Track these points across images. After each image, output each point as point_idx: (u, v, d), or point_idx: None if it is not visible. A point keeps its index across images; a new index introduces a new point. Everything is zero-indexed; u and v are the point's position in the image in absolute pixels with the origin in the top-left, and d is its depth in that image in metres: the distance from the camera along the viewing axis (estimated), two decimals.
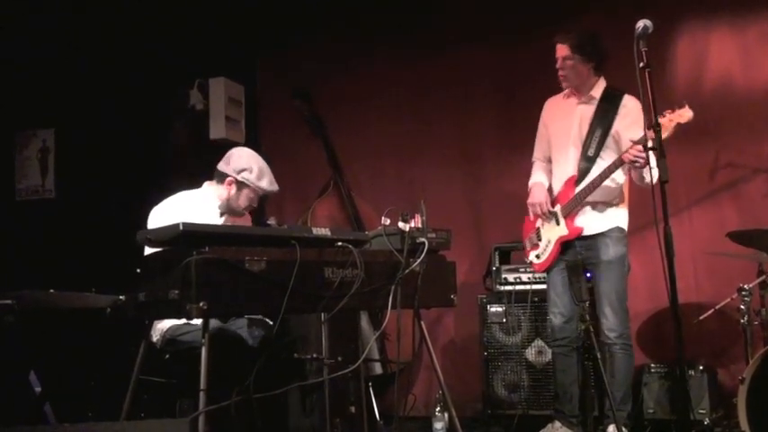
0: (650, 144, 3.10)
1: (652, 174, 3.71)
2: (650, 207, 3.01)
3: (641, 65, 3.06)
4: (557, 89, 4.22)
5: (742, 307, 3.94)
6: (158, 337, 3.29)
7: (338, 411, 3.85)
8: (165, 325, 3.30)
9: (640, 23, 3.11)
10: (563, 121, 4.16)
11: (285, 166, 5.88)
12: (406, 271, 2.94)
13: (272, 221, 4.87)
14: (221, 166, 3.59)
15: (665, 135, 3.65)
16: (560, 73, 4.08)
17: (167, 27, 5.32)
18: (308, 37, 5.85)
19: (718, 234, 4.15)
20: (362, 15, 5.68)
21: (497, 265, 4.83)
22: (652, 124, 3.06)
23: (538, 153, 4.33)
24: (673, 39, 5.01)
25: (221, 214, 3.59)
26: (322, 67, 5.82)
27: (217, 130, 5.59)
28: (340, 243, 2.84)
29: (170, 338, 3.28)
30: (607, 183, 3.93)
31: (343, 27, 5.77)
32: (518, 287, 4.65)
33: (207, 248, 2.53)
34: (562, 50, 4.03)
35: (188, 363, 2.90)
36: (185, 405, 3.59)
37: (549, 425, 4.14)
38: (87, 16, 5.21)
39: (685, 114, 3.64)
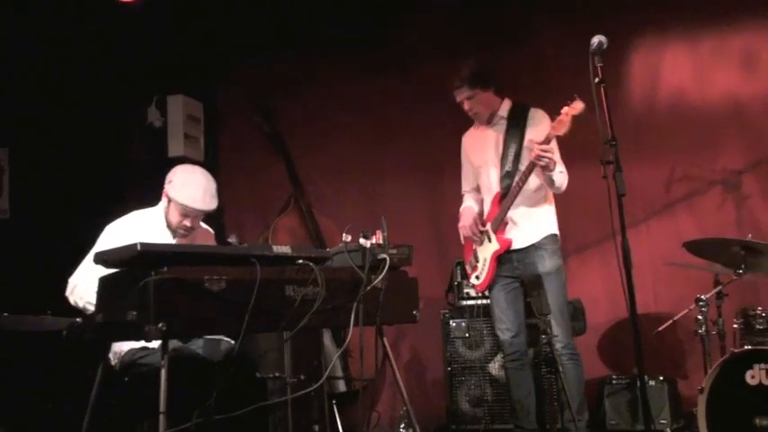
0: (609, 158, 3.13)
1: (554, 178, 3.83)
2: (608, 220, 3.04)
3: (596, 80, 3.10)
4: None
5: (699, 317, 4.00)
6: (116, 360, 3.23)
7: (302, 430, 3.82)
8: (122, 348, 3.23)
9: (595, 39, 3.16)
10: (481, 148, 4.27)
11: (246, 184, 5.88)
12: (368, 288, 2.92)
13: (232, 239, 4.83)
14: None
15: (564, 130, 3.77)
16: (471, 114, 4.21)
17: (125, 43, 5.27)
18: (268, 53, 5.83)
19: (675, 246, 4.21)
20: (322, 31, 5.68)
21: (459, 279, 4.84)
22: (608, 139, 3.10)
23: (465, 186, 4.43)
24: (627, 54, 5.09)
25: (172, 234, 3.48)
26: (281, 83, 5.80)
27: (175, 148, 5.54)
28: (301, 261, 2.82)
29: (128, 362, 3.22)
30: (527, 188, 4.01)
31: (302, 43, 5.76)
32: (480, 301, 4.66)
33: (165, 268, 2.49)
34: (462, 94, 4.16)
35: (147, 385, 2.85)
36: (145, 427, 3.53)
37: None
38: (42, 34, 5.13)
39: (577, 106, 3.74)
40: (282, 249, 2.82)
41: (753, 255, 3.84)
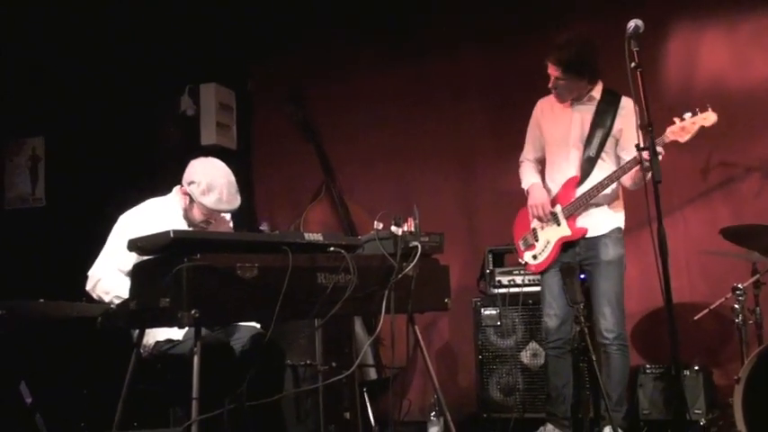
0: (642, 144, 3.09)
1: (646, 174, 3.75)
2: (644, 207, 3.00)
3: (633, 65, 3.06)
4: (548, 89, 4.20)
5: (736, 306, 3.94)
6: (146, 352, 3.25)
7: (333, 418, 3.84)
8: (150, 342, 3.25)
9: (631, 23, 3.11)
10: (560, 123, 4.13)
11: (277, 172, 5.90)
12: (400, 275, 2.92)
13: (264, 227, 4.86)
14: (184, 174, 3.44)
15: (687, 137, 3.68)
16: (554, 92, 4.06)
17: (157, 33, 5.30)
18: (300, 42, 5.83)
19: (711, 233, 4.14)
20: (354, 19, 5.66)
21: (491, 267, 4.81)
22: (645, 124, 3.05)
23: (528, 154, 4.28)
24: (664, 38, 5.01)
25: (188, 224, 3.43)
26: (314, 71, 5.81)
27: (208, 136, 5.56)
28: (332, 248, 2.82)
29: (158, 354, 3.24)
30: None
31: (334, 31, 5.75)
32: (512, 290, 4.64)
33: (198, 255, 2.50)
34: (554, 71, 3.98)
35: (179, 372, 2.88)
36: (179, 413, 3.57)
37: (542, 427, 4.13)
38: (77, 23, 5.18)
39: (710, 117, 3.67)
40: (314, 237, 2.82)
41: None
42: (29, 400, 3.52)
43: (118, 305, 2.89)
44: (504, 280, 4.73)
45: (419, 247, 2.97)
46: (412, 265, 2.94)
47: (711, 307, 4.10)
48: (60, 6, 5.09)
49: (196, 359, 2.54)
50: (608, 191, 3.98)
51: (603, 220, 4.03)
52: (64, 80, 5.30)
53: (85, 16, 5.16)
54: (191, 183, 3.35)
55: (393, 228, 3.00)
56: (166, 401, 3.41)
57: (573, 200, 4.02)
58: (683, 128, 3.72)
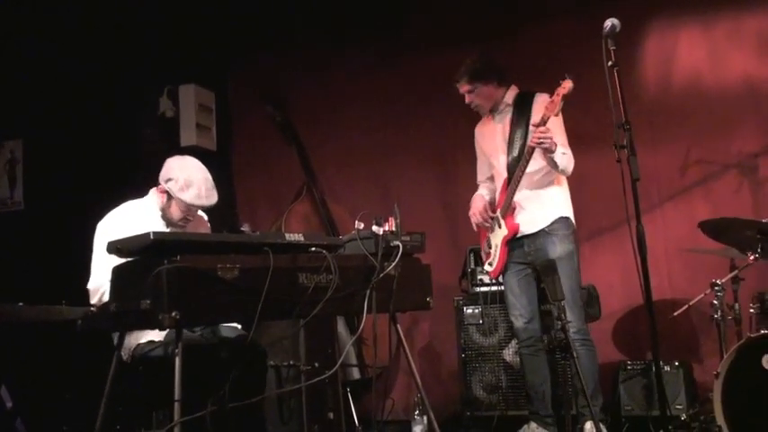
0: (623, 143, 3.11)
1: (557, 160, 3.83)
2: (622, 205, 3.02)
3: (609, 63, 3.08)
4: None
5: (715, 302, 3.98)
6: (128, 355, 3.23)
7: (316, 418, 3.84)
8: (131, 344, 3.24)
9: (608, 22, 3.13)
10: (490, 137, 4.29)
11: (258, 173, 5.89)
12: (381, 275, 2.92)
13: (245, 228, 4.84)
14: (160, 173, 3.44)
15: (557, 110, 3.80)
16: (472, 106, 4.25)
17: (136, 34, 5.27)
18: (280, 43, 5.82)
19: (690, 230, 4.18)
20: (333, 20, 5.66)
21: (472, 266, 4.83)
22: (621, 123, 3.08)
23: (480, 176, 4.46)
24: (641, 37, 5.04)
25: (166, 224, 3.43)
26: (294, 72, 5.80)
27: (187, 138, 5.54)
28: (314, 248, 2.82)
29: (139, 356, 3.23)
30: (532, 171, 4.01)
31: (314, 32, 5.75)
32: (494, 288, 4.65)
33: (178, 257, 2.49)
34: (462, 87, 4.20)
35: (161, 374, 2.86)
36: (161, 416, 3.55)
37: (525, 426, 4.16)
38: (55, 25, 5.14)
39: (566, 85, 3.75)
40: (295, 237, 2.82)
41: None
42: (9, 405, 3.50)
43: (98, 308, 2.87)
44: (486, 278, 4.74)
45: (400, 246, 2.97)
46: (393, 264, 2.94)
47: (691, 303, 4.13)
48: (38, 9, 5.06)
49: (178, 361, 2.54)
50: (534, 182, 4.06)
51: (541, 213, 4.09)
52: (42, 83, 5.26)
53: (64, 18, 5.12)
54: (168, 180, 3.35)
55: (374, 227, 3.01)
56: (148, 404, 3.40)
57: (504, 199, 4.09)
58: (552, 101, 3.80)
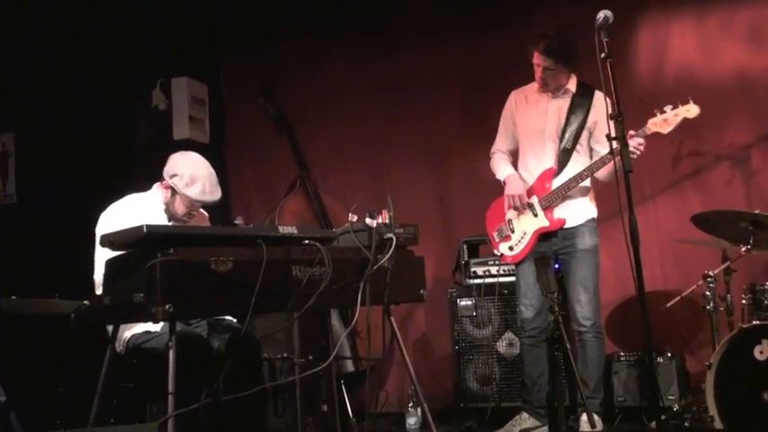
0: (616, 134, 3.11)
1: (610, 174, 3.80)
2: (616, 197, 3.03)
3: (603, 55, 3.08)
4: (524, 81, 4.23)
5: (707, 293, 4.00)
6: (122, 347, 3.23)
7: (310, 410, 3.84)
8: (126, 335, 3.23)
9: (601, 14, 3.12)
10: (536, 115, 4.16)
11: (251, 166, 5.87)
12: (375, 267, 2.92)
13: (238, 221, 4.83)
14: (163, 170, 3.45)
15: (668, 129, 3.74)
16: (541, 81, 4.07)
17: (128, 27, 5.24)
18: (273, 34, 5.81)
19: (683, 222, 4.19)
20: (327, 11, 5.65)
21: (466, 258, 4.83)
22: (615, 115, 3.08)
23: (501, 145, 4.30)
24: (634, 29, 5.05)
25: (169, 218, 3.44)
26: (287, 64, 5.79)
27: (180, 131, 5.52)
28: (307, 241, 2.82)
29: (133, 347, 3.22)
30: (580, 171, 3.97)
31: (307, 24, 5.73)
32: (487, 280, 4.66)
33: (171, 250, 2.49)
34: (543, 60, 4.00)
35: (153, 368, 2.87)
36: (155, 409, 3.55)
37: (517, 416, 4.16)
38: (46, 18, 5.11)
39: (692, 110, 3.73)
40: (288, 230, 2.82)
41: (761, 230, 3.82)
42: (3, 399, 3.49)
43: (91, 301, 2.87)
44: (480, 270, 4.76)
45: (394, 238, 2.98)
46: (387, 256, 2.95)
47: (683, 294, 4.15)
48: (30, 2, 5.03)
49: (172, 354, 2.54)
50: (583, 183, 4.03)
51: (579, 211, 4.08)
52: (34, 76, 5.23)
53: (55, 12, 5.09)
54: (173, 176, 3.35)
55: (368, 220, 3.01)
56: (143, 397, 3.40)
57: (550, 191, 4.05)
58: (666, 120, 3.78)
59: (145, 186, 3.54)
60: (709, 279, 3.98)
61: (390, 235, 2.99)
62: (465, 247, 4.85)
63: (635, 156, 3.71)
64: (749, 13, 4.87)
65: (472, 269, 4.79)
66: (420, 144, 5.54)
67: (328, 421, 3.89)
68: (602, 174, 3.99)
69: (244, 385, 2.88)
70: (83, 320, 2.82)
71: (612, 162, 3.78)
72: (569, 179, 3.99)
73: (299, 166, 5.40)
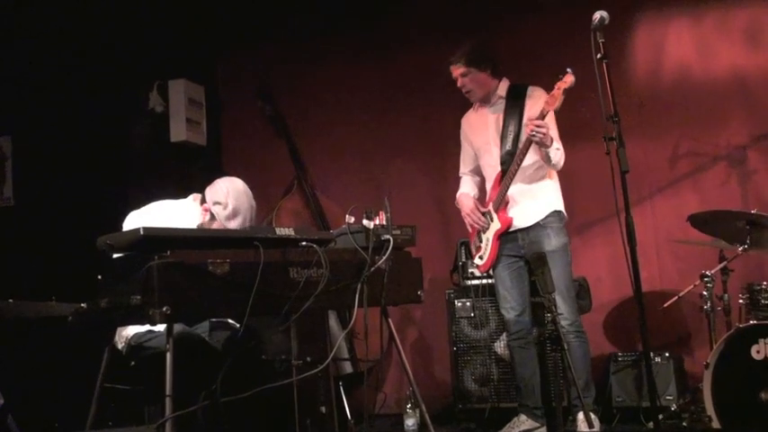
0: (612, 135, 3.11)
1: (551, 155, 3.84)
2: (612, 197, 3.03)
3: (599, 56, 3.09)
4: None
5: (705, 293, 4.00)
6: (123, 344, 3.24)
7: (309, 412, 3.84)
8: (129, 332, 3.24)
9: (597, 15, 3.14)
10: (480, 129, 4.28)
11: (248, 167, 5.86)
12: (372, 269, 2.93)
13: None
14: (206, 190, 3.47)
15: (556, 105, 3.80)
16: (464, 91, 4.22)
17: (125, 28, 5.24)
18: (269, 35, 5.81)
19: (679, 222, 4.20)
20: (322, 13, 5.65)
21: (463, 259, 4.84)
22: (611, 115, 3.08)
23: (463, 168, 4.46)
24: (630, 29, 5.05)
25: None
26: (283, 65, 5.78)
27: (177, 133, 5.51)
28: (304, 243, 2.82)
29: (135, 345, 3.23)
30: (525, 166, 4.01)
31: (304, 25, 5.73)
32: (485, 281, 4.66)
33: (168, 252, 2.49)
34: (457, 70, 4.18)
35: (154, 368, 2.86)
36: (153, 411, 3.55)
37: (515, 418, 4.17)
38: (43, 20, 5.11)
39: (568, 80, 3.77)
40: (286, 232, 2.82)
41: (757, 229, 3.83)
42: (0, 402, 3.49)
43: (89, 304, 2.87)
44: (477, 271, 4.76)
45: (391, 240, 2.98)
46: (384, 258, 2.95)
47: (680, 294, 4.15)
48: (26, 5, 5.02)
49: (169, 356, 2.54)
50: (528, 176, 4.06)
51: (535, 208, 4.10)
52: (31, 79, 5.23)
53: (51, 14, 5.09)
54: (216, 203, 3.36)
55: (365, 221, 3.01)
56: (142, 399, 3.39)
57: (497, 194, 4.09)
58: (553, 96, 3.82)
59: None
60: (706, 279, 3.99)
61: (387, 236, 2.99)
62: (462, 248, 4.86)
63: (535, 138, 3.80)
64: (745, 14, 4.87)
65: (470, 270, 4.80)
66: (417, 145, 5.55)
67: (326, 423, 3.89)
68: (536, 158, 4.01)
69: (244, 387, 2.88)
70: (80, 323, 2.81)
71: (536, 147, 3.88)
72: (505, 177, 4.04)
73: (297, 167, 5.40)
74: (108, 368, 2.90)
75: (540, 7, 5.15)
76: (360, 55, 5.65)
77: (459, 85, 4.21)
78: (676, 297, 4.16)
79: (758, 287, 3.91)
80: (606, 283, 4.76)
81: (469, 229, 4.31)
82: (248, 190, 3.48)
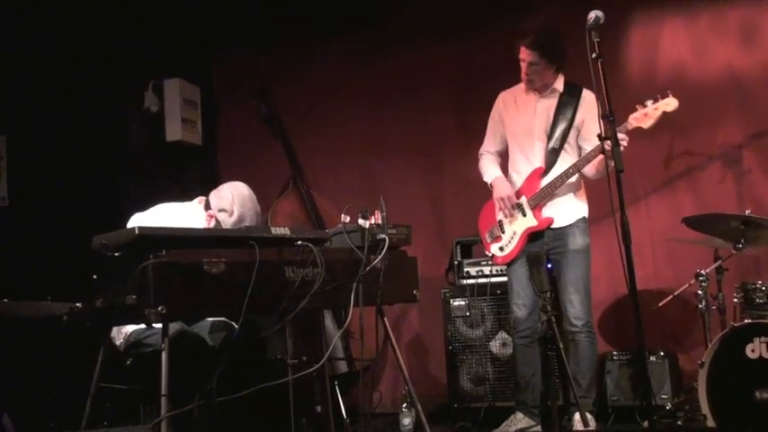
0: (608, 134, 3.12)
1: (601, 170, 3.81)
2: (608, 196, 3.04)
3: (594, 55, 3.09)
4: (516, 82, 4.23)
5: (699, 292, 4.01)
6: (122, 340, 3.24)
7: (304, 411, 3.84)
8: (128, 329, 3.24)
9: (592, 14, 3.14)
10: (524, 115, 4.17)
11: (244, 167, 5.86)
12: (368, 268, 2.93)
13: None
14: (211, 196, 3.49)
15: (649, 123, 3.75)
16: (526, 77, 4.08)
17: (120, 28, 5.23)
18: (264, 35, 5.80)
19: (675, 221, 4.20)
20: (318, 12, 5.65)
21: (459, 258, 4.84)
22: (606, 114, 3.08)
23: (489, 146, 4.32)
24: (625, 29, 5.06)
25: None
26: (278, 65, 5.78)
27: (173, 132, 5.51)
28: (300, 242, 2.82)
29: (134, 341, 3.23)
30: (567, 168, 3.99)
31: (299, 24, 5.73)
32: (480, 280, 4.67)
33: (164, 252, 2.49)
34: (528, 55, 4.00)
35: (151, 367, 2.86)
36: (149, 411, 3.54)
37: (512, 416, 4.17)
38: (37, 19, 5.10)
39: (671, 103, 3.75)
40: (281, 231, 2.82)
41: (752, 229, 3.84)
42: None
43: (84, 304, 2.87)
44: (473, 271, 4.77)
45: (386, 239, 2.99)
46: (380, 257, 2.96)
47: (675, 293, 4.17)
48: (21, 4, 5.01)
49: (164, 356, 2.53)
50: (572, 181, 4.03)
51: (569, 211, 4.08)
52: (25, 78, 5.21)
53: (46, 13, 5.08)
54: (221, 210, 3.39)
55: (360, 220, 3.01)
56: (138, 398, 3.39)
57: (538, 190, 4.06)
58: (646, 114, 3.79)
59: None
60: (701, 278, 3.99)
61: (383, 235, 2.99)
62: (458, 247, 4.86)
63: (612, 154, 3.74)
64: (740, 13, 4.88)
65: (465, 269, 4.80)
66: (413, 145, 5.54)
67: (322, 422, 3.89)
68: (590, 171, 4.01)
69: (241, 386, 2.88)
70: (75, 322, 2.81)
71: (600, 160, 3.82)
72: (555, 178, 4.00)
73: (292, 167, 5.40)
74: (104, 367, 2.89)
75: (535, 7, 5.14)
76: (355, 54, 5.65)
77: (523, 69, 4.03)
78: (671, 296, 4.17)
79: (753, 286, 3.92)
80: (602, 282, 4.76)
81: (497, 211, 4.17)
82: (253, 195, 3.50)
